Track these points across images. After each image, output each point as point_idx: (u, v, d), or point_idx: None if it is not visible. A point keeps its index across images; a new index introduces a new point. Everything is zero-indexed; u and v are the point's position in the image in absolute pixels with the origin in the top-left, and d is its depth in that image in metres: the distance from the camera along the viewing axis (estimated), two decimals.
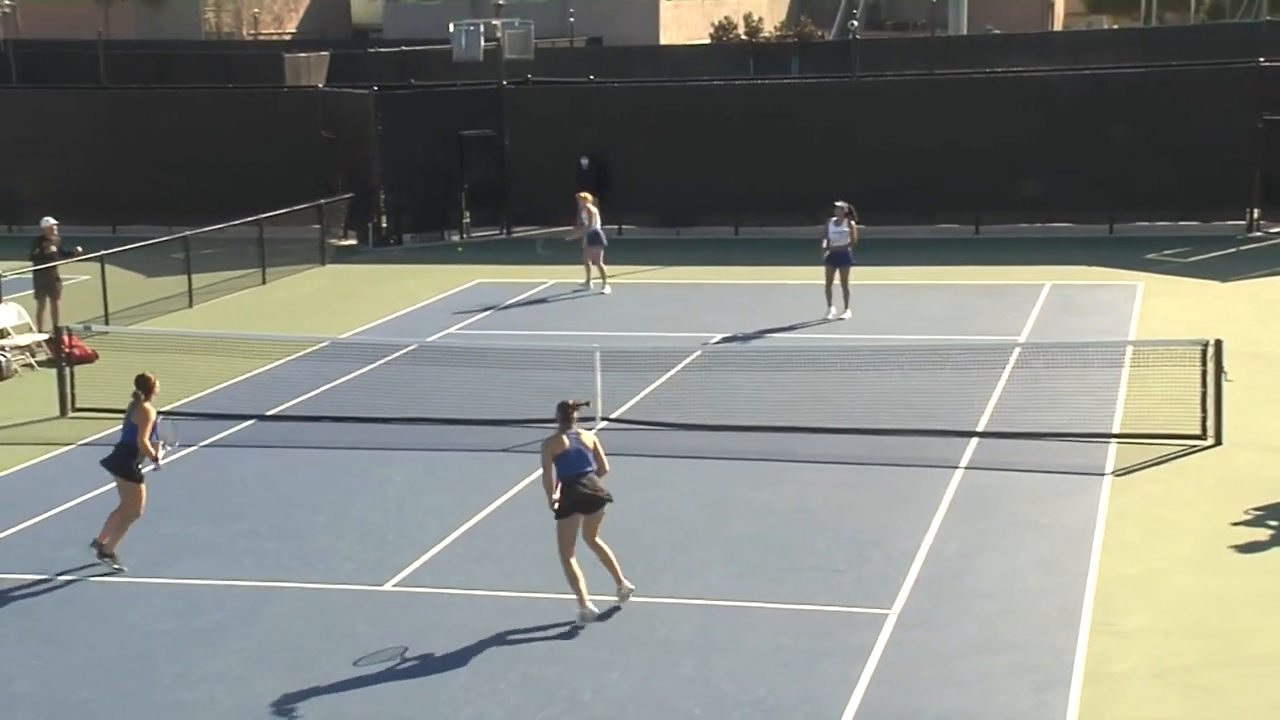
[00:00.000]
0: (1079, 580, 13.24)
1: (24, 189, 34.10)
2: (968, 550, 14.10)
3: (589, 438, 12.94)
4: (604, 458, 12.91)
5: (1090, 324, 23.51)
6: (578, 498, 12.61)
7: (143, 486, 14.25)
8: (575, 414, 12.86)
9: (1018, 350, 21.15)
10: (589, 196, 27.40)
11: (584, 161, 32.17)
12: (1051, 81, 33.75)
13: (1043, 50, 52.30)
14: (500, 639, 12.41)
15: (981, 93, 32.97)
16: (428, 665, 11.94)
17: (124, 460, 14.23)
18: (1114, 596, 12.88)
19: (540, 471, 12.93)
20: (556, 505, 12.62)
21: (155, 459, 14.28)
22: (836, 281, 23.98)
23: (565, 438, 12.73)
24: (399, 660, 12.04)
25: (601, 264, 27.10)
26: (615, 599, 12.83)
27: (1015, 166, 31.37)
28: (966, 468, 16.54)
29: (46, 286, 24.28)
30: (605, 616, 12.72)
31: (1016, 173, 31.41)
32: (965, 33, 70.31)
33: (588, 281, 27.30)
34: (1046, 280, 26.88)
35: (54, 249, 24.40)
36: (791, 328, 23.72)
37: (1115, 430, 17.62)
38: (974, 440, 17.48)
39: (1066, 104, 31.79)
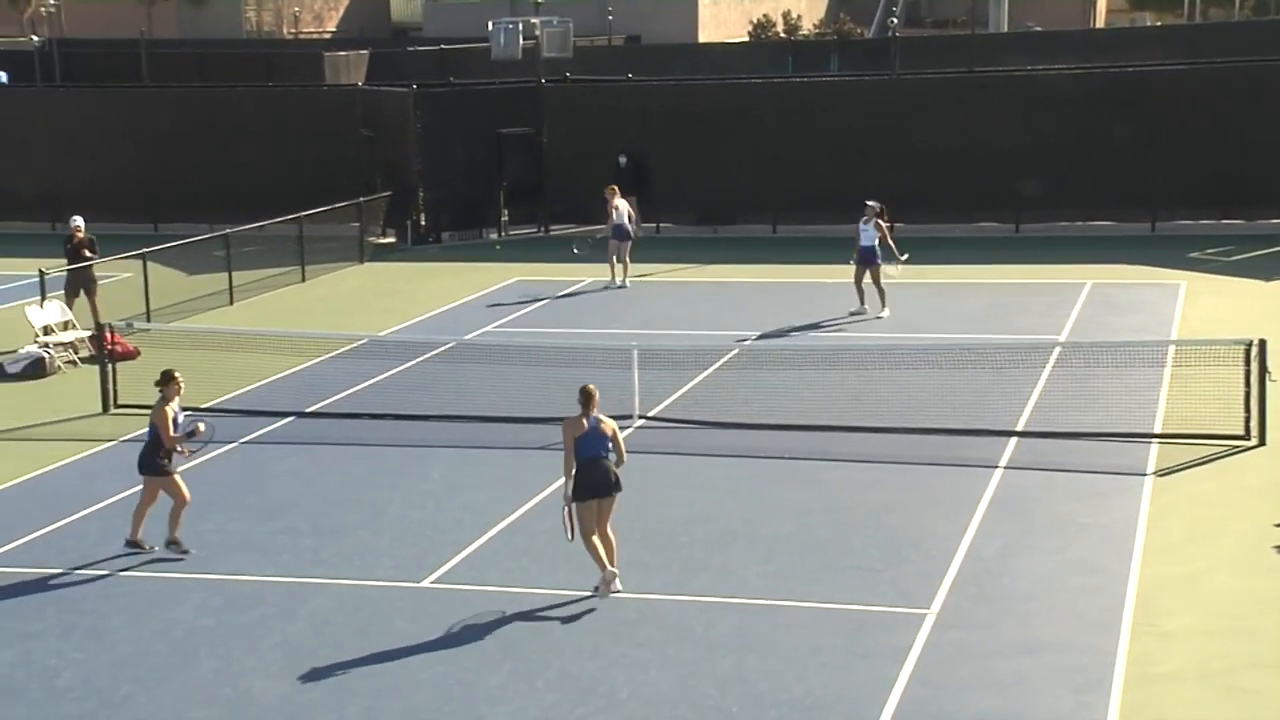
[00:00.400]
0: (1120, 581, 13.17)
1: (68, 187, 34.35)
2: (1007, 550, 14.04)
3: (609, 424, 13.11)
4: (622, 446, 13.17)
5: (1132, 323, 23.39)
6: (592, 481, 12.84)
7: (175, 476, 14.42)
8: (596, 399, 13.10)
9: (1058, 349, 21.06)
10: (616, 190, 27.51)
11: (622, 160, 32.20)
12: (1093, 79, 33.53)
13: (1084, 47, 51.97)
14: (537, 636, 12.44)
15: (1022, 91, 32.87)
16: (465, 662, 11.97)
17: (149, 458, 14.40)
18: (1155, 597, 12.81)
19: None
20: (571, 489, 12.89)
21: (181, 450, 14.51)
22: (867, 279, 24.00)
23: (585, 420, 12.95)
24: (436, 657, 12.07)
25: (626, 259, 27.17)
26: (597, 585, 12.99)
27: (1055, 165, 31.26)
28: (1006, 467, 16.49)
29: (77, 285, 24.35)
30: (647, 615, 12.74)
31: (1057, 171, 31.29)
32: (1006, 30, 70.04)
33: (613, 278, 27.34)
34: (1088, 279, 26.76)
35: (87, 251, 24.39)
36: (829, 327, 23.71)
37: (1157, 430, 17.53)
38: (1013, 440, 17.41)
39: (1107, 102, 31.65)
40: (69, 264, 24.44)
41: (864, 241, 23.91)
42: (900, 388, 19.25)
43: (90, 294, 24.44)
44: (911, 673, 11.49)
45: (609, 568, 13.03)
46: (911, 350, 21.07)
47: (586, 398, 13.09)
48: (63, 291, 24.18)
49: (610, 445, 13.01)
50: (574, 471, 12.93)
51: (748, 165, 32.53)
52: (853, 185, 30.86)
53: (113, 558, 14.39)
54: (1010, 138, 31.47)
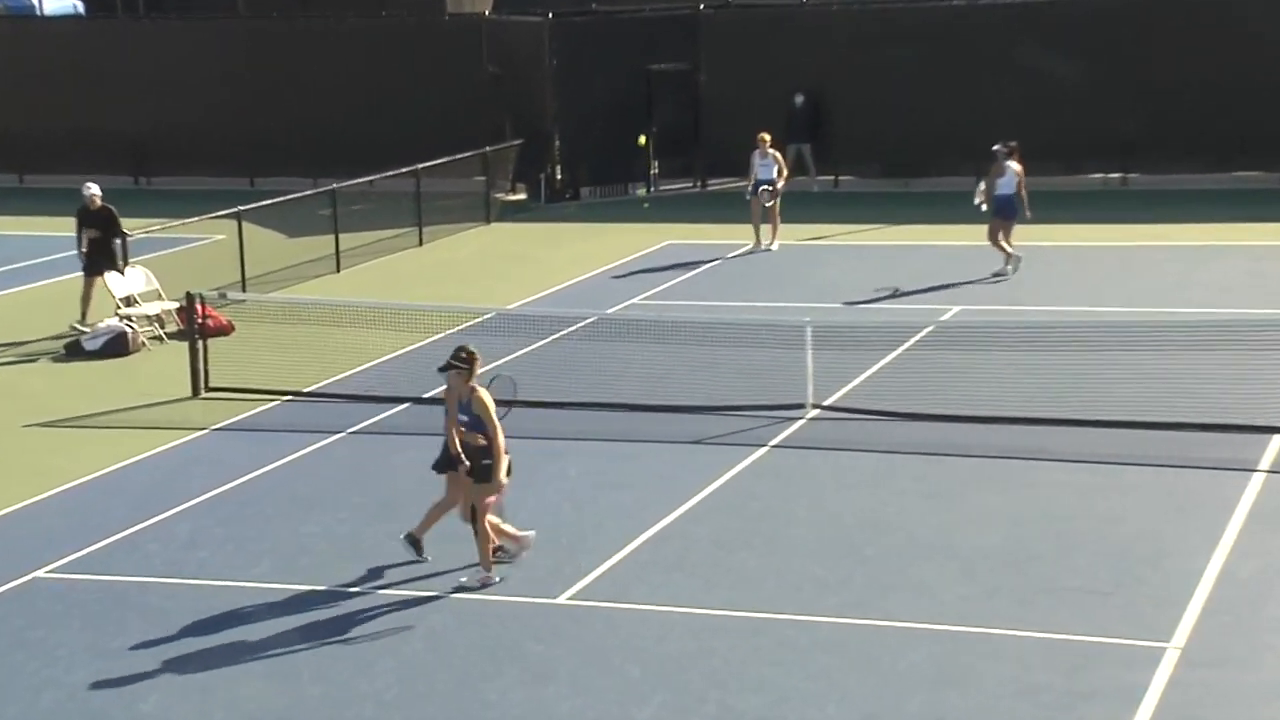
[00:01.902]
0: None
1: (153, 135, 35.15)
2: (1269, 571, 13.82)
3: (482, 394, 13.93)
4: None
5: None
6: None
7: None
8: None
9: None
10: (767, 138, 27.48)
11: (798, 99, 32.13)
12: None
13: None
14: (693, 663, 12.44)
15: None
16: (607, 692, 12.01)
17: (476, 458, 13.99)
18: None
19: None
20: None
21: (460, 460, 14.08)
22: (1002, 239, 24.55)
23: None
24: (574, 686, 12.13)
25: (776, 218, 27.27)
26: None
27: None
28: (1269, 471, 16.27)
29: (98, 264, 23.89)
30: (822, 641, 12.68)
31: None
32: None
33: (758, 240, 27.36)
34: None
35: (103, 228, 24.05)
36: (1044, 299, 23.43)
37: None
38: (1277, 438, 17.12)
39: None
40: (86, 236, 23.93)
41: (1003, 190, 24.32)
42: (1133, 373, 18.94)
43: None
44: (1152, 717, 11.28)
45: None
46: (1147, 328, 20.62)
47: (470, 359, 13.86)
48: (83, 274, 24.02)
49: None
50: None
51: (948, 107, 32.30)
52: (1079, 129, 30.65)
53: (209, 568, 14.71)
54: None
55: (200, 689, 12.33)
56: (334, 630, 13.31)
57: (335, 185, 28.89)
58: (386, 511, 16.05)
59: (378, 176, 29.69)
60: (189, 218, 27.41)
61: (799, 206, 29.84)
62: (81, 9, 48.95)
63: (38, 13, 47.63)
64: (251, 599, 14.00)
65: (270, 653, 12.93)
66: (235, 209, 26.49)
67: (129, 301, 23.56)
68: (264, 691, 12.23)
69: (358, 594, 14.05)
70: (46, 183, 35.87)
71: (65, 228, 25.28)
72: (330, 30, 38.07)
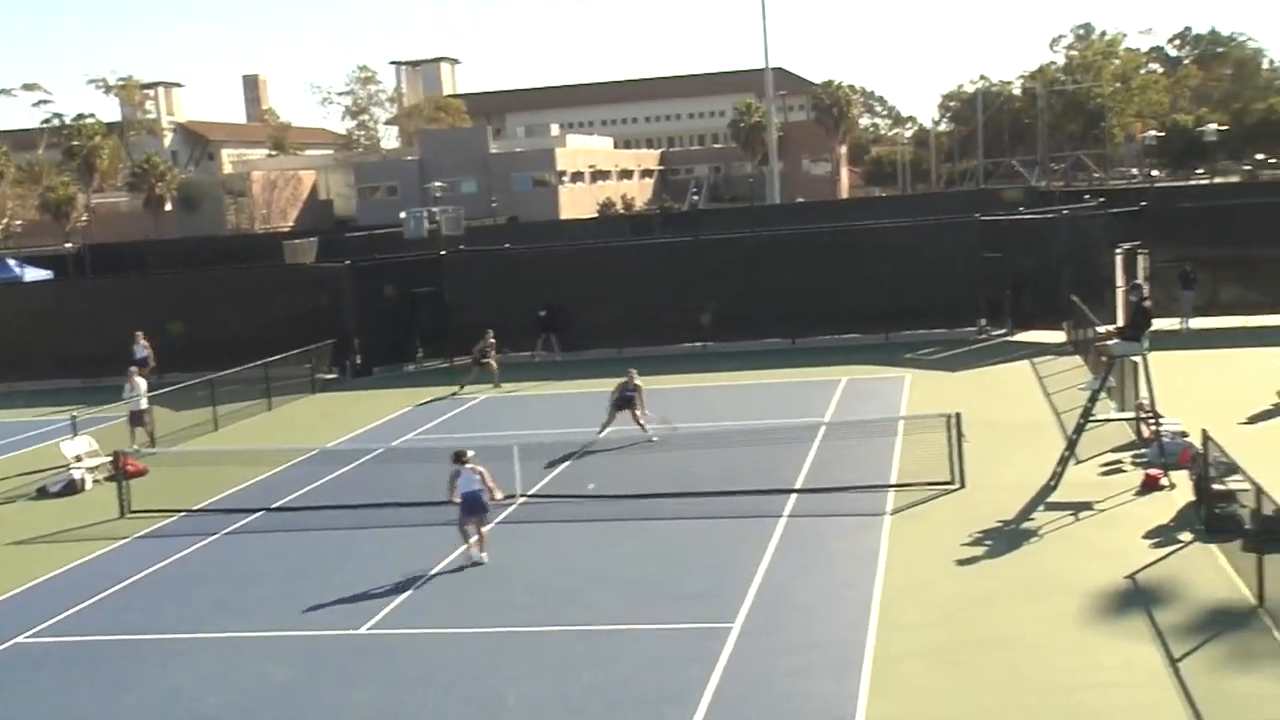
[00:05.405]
0: (869, 592, 13.36)
1: (95, 352, 33.36)
2: (791, 577, 14.09)
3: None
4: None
5: (874, 405, 23.78)
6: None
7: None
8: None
9: (823, 428, 21.45)
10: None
11: (542, 312, 32.37)
12: (841, 234, 34.49)
13: (835, 212, 53.50)
14: (451, 666, 12.22)
15: (792, 243, 33.49)
16: (404, 710, 11.73)
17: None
18: (894, 601, 13.02)
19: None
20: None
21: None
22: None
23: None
24: (371, 702, 11.68)
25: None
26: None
27: (818, 294, 31.84)
28: (789, 515, 16.58)
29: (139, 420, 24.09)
30: (525, 643, 12.60)
31: (819, 299, 31.84)
32: (779, 202, 72.09)
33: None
34: (843, 376, 27.18)
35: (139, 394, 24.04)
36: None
37: (893, 481, 17.80)
38: (793, 495, 17.51)
39: (851, 250, 32.52)
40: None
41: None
42: (711, 461, 19.36)
43: (142, 426, 24.12)
44: (724, 669, 11.51)
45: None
46: (718, 433, 21.24)
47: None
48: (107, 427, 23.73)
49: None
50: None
51: (597, 305, 32.73)
52: (673, 316, 31.69)
53: (137, 629, 13.90)
54: (785, 277, 32.02)
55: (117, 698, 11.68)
56: (200, 663, 12.72)
57: (212, 375, 27.84)
58: (248, 583, 15.45)
59: (241, 368, 28.74)
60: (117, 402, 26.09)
61: (538, 370, 29.82)
62: (50, 275, 46.73)
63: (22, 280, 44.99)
64: (160, 648, 13.30)
65: (163, 683, 12.28)
66: (153, 393, 25.26)
67: (78, 459, 22.33)
68: (139, 703, 11.63)
69: (225, 639, 13.47)
70: (33, 386, 33.93)
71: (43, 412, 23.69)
72: (210, 277, 36.64)
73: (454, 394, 28.18)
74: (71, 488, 21.51)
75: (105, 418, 25.92)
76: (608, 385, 25.28)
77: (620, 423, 21.83)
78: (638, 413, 21.87)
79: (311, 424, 26.86)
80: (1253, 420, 20.00)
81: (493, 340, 28.59)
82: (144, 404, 24.25)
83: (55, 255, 58.86)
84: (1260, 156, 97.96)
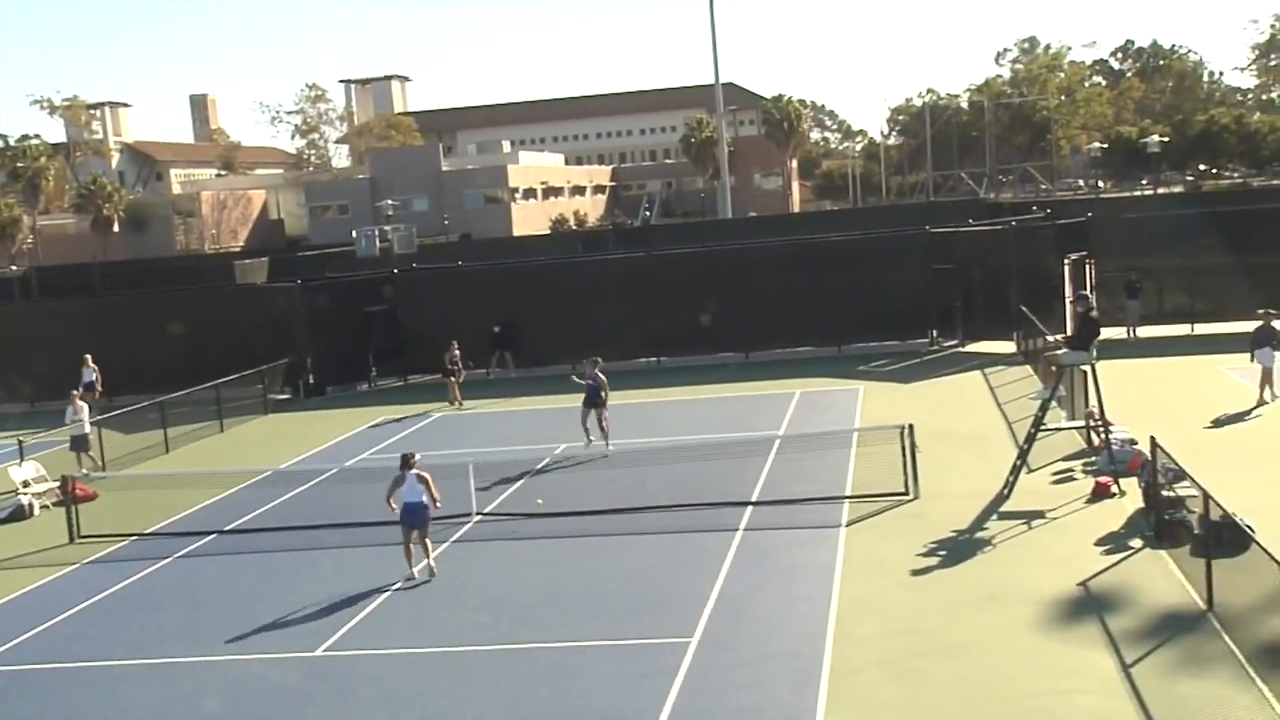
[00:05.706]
0: (825, 604, 13.42)
1: (44, 375, 32.88)
2: (749, 588, 14.14)
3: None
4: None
5: (828, 418, 23.88)
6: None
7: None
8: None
9: (778, 441, 21.52)
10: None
11: (496, 328, 32.20)
12: (792, 248, 34.72)
13: (786, 226, 53.92)
14: (410, 682, 12.15)
15: (744, 257, 33.66)
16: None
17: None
18: (849, 613, 13.09)
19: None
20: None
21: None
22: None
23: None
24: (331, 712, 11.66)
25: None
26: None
27: (771, 308, 31.99)
28: (745, 529, 16.59)
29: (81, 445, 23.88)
30: (483, 660, 12.54)
31: (772, 312, 31.99)
32: (731, 216, 72.51)
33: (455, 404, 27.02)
34: (797, 389, 27.30)
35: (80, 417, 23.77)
36: (619, 434, 23.73)
37: (848, 493, 17.88)
38: (749, 508, 17.56)
39: (803, 263, 32.73)
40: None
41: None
42: (667, 476, 19.33)
43: (86, 451, 23.83)
44: (682, 682, 11.53)
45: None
46: (673, 448, 21.25)
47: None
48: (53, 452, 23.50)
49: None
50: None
51: (550, 321, 32.66)
52: (625, 331, 31.70)
53: (85, 656, 13.64)
54: (738, 290, 32.12)
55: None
56: (150, 691, 12.54)
57: (163, 397, 27.45)
58: (201, 607, 15.24)
59: (192, 389, 28.38)
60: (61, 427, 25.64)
61: (493, 386, 29.59)
62: None
63: None
64: (109, 674, 13.11)
65: (111, 712, 12.08)
66: (96, 417, 24.85)
67: (25, 484, 21.92)
68: None
69: (177, 664, 13.27)
70: None
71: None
72: (160, 298, 36.15)
73: (458, 410, 27.91)
74: (19, 513, 21.15)
75: (53, 442, 25.51)
76: (562, 401, 25.22)
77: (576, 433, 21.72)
78: (604, 413, 21.68)
79: (264, 445, 26.57)
80: (1201, 427, 20.35)
81: (458, 352, 28.37)
82: (86, 428, 23.89)
83: (1, 278, 57.98)
84: (1202, 167, 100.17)
